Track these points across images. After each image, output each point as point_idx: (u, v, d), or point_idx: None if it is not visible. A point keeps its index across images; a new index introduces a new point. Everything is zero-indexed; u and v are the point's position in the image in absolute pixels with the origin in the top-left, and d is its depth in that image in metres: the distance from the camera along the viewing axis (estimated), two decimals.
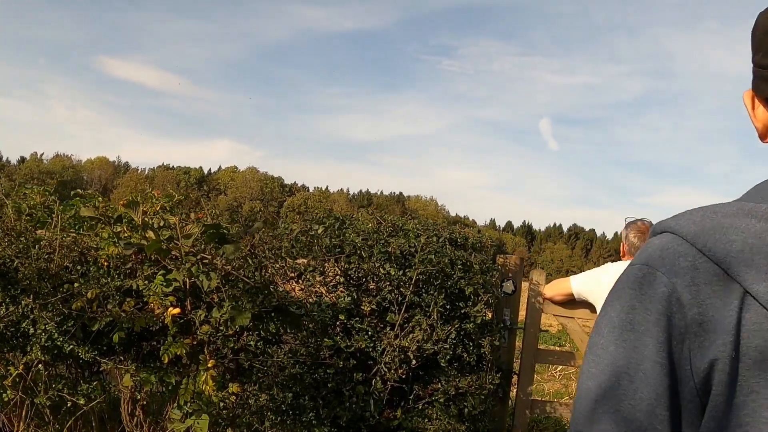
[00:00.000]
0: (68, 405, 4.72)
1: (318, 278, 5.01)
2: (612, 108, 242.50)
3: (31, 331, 4.40)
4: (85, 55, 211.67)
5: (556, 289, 5.55)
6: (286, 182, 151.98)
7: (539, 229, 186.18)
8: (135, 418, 4.86)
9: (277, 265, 4.62)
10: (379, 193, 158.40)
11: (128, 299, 4.35)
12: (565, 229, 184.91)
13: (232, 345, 4.45)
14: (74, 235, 4.74)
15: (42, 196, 5.28)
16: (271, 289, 4.39)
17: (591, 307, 5.33)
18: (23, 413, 4.83)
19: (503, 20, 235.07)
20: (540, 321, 5.78)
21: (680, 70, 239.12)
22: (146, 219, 4.51)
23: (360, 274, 5.04)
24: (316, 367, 4.80)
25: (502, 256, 5.78)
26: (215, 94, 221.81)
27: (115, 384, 4.88)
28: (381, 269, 4.93)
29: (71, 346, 4.43)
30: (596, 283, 5.16)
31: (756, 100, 1.31)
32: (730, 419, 1.09)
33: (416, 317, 4.90)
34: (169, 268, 4.27)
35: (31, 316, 4.38)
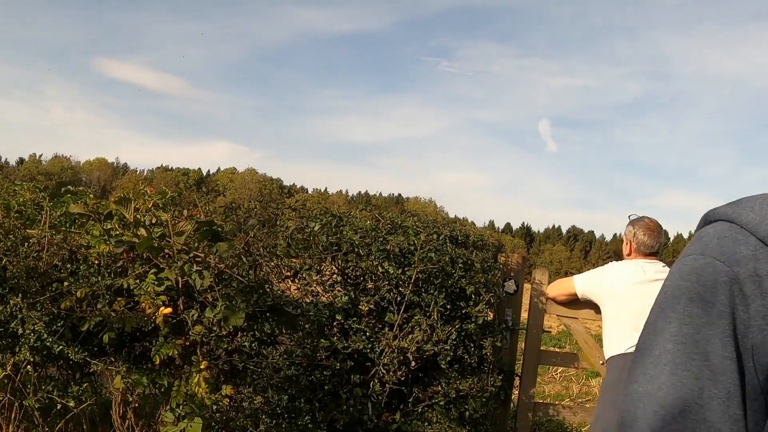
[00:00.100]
0: (58, 407, 4.63)
1: (315, 277, 4.92)
2: (611, 110, 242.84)
3: (20, 331, 4.32)
4: (83, 57, 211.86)
5: (559, 288, 5.45)
6: (284, 184, 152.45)
7: (538, 231, 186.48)
8: (126, 421, 4.75)
9: (272, 264, 4.53)
10: (378, 195, 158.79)
11: (119, 299, 4.28)
12: (564, 230, 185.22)
13: (225, 346, 4.36)
14: (64, 232, 4.65)
15: (32, 193, 5.16)
16: (266, 289, 4.32)
17: (595, 307, 5.21)
18: (12, 416, 4.74)
19: (502, 22, 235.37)
20: (543, 322, 5.66)
21: (679, 72, 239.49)
22: (138, 216, 4.44)
23: (358, 273, 4.94)
24: (313, 368, 4.71)
25: (503, 254, 5.66)
26: (214, 96, 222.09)
27: (106, 386, 4.76)
28: (379, 268, 4.80)
29: (60, 347, 4.35)
30: (601, 282, 5.05)
31: None
32: None
33: (416, 317, 4.80)
34: (161, 266, 4.19)
35: (20, 316, 4.30)
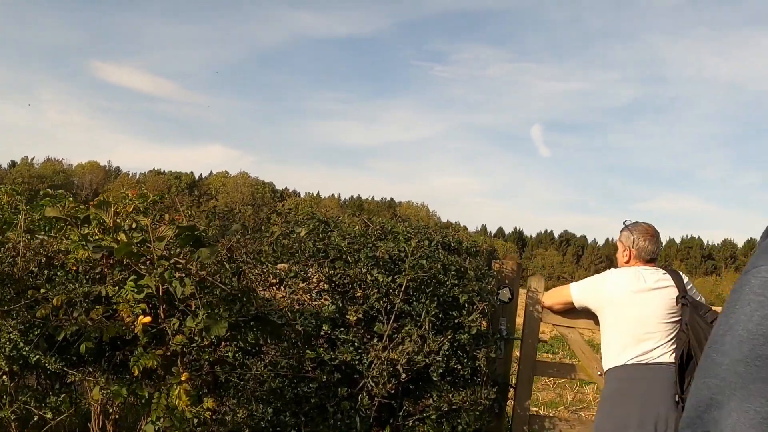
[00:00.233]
0: (35, 419, 4.47)
1: (301, 285, 4.77)
2: (605, 114, 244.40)
3: None
4: (78, 59, 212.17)
5: (555, 297, 5.31)
6: (277, 187, 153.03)
7: (530, 236, 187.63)
8: None
9: (257, 271, 4.39)
10: (370, 199, 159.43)
11: (97, 306, 4.13)
12: (556, 235, 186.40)
13: (207, 357, 4.25)
14: (43, 237, 4.54)
15: (9, 195, 4.99)
16: (251, 297, 4.17)
17: (593, 317, 5.07)
18: None
19: (496, 26, 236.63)
20: (538, 331, 5.50)
21: (673, 76, 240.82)
22: (118, 220, 4.30)
23: (346, 281, 4.78)
24: (298, 380, 4.59)
25: (498, 261, 5.51)
26: (208, 99, 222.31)
27: (86, 396, 4.61)
28: (368, 275, 4.67)
29: (37, 356, 4.19)
30: (598, 291, 4.91)
31: None
32: None
33: (406, 327, 4.66)
34: (141, 273, 4.04)
35: None
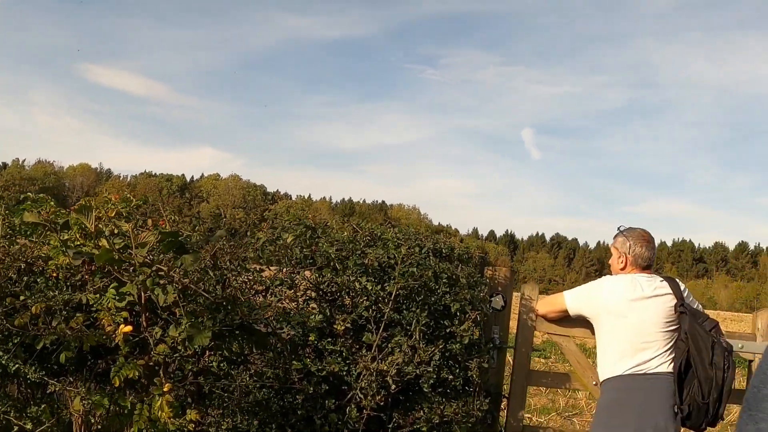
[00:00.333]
0: (15, 430, 4.32)
1: (288, 293, 4.67)
2: (595, 118, 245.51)
3: None
4: (69, 62, 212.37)
5: (549, 305, 5.18)
6: (268, 190, 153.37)
7: (522, 239, 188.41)
8: None
9: (241, 278, 4.28)
10: (362, 202, 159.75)
11: (78, 314, 4.05)
12: (547, 238, 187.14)
13: (191, 367, 4.19)
14: (24, 242, 4.45)
15: None
16: (237, 305, 4.06)
17: (588, 325, 4.95)
18: None
19: (486, 30, 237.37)
20: (532, 340, 5.38)
21: (663, 80, 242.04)
22: (101, 226, 4.17)
23: (333, 289, 4.69)
24: (285, 392, 4.49)
25: (490, 268, 5.39)
26: (198, 102, 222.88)
27: (68, 406, 4.47)
28: (357, 283, 4.56)
29: (17, 366, 4.10)
30: (594, 298, 4.80)
31: None
32: None
33: (396, 337, 4.56)
34: (122, 280, 3.96)
35: None
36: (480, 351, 4.85)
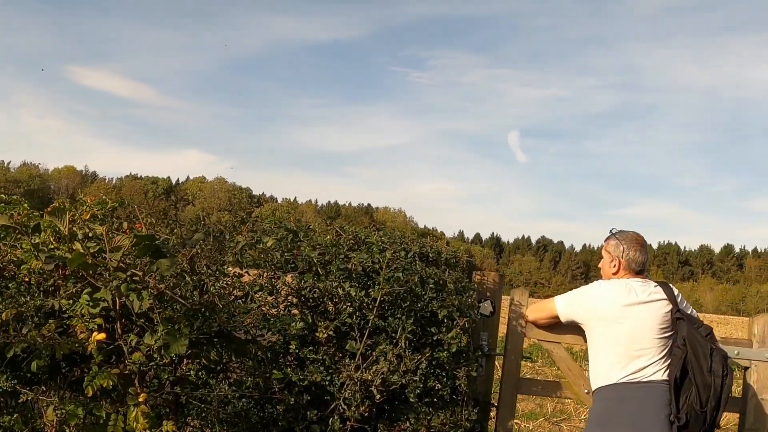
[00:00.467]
0: None
1: (268, 298, 4.57)
2: (582, 120, 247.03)
3: None
4: (55, 64, 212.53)
5: (539, 311, 5.03)
6: (254, 193, 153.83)
7: (508, 242, 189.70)
8: None
9: (220, 284, 4.15)
10: (347, 205, 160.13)
11: (50, 321, 3.93)
12: (533, 241, 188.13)
13: (167, 376, 4.06)
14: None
15: None
16: (213, 311, 3.96)
17: (580, 331, 4.82)
18: None
19: (473, 33, 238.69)
20: (522, 346, 5.23)
21: (651, 84, 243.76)
22: (75, 229, 4.06)
23: (315, 295, 4.57)
24: (265, 402, 4.38)
25: (478, 273, 5.24)
26: (184, 104, 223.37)
27: (42, 416, 4.32)
28: (340, 289, 4.45)
29: None
30: (586, 304, 4.65)
31: None
32: None
33: (381, 345, 4.42)
34: (96, 285, 3.83)
35: None
36: (468, 359, 4.75)
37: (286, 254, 4.64)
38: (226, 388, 4.20)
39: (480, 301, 5.05)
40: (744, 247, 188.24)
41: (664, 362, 4.37)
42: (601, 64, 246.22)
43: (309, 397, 4.36)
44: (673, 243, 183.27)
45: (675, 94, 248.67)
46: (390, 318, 4.51)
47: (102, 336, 3.79)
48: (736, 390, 4.92)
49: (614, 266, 4.66)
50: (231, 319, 4.06)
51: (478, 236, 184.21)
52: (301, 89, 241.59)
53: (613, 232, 4.76)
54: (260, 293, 4.51)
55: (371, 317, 4.43)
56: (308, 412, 4.36)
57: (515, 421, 8.46)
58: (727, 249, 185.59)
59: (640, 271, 4.62)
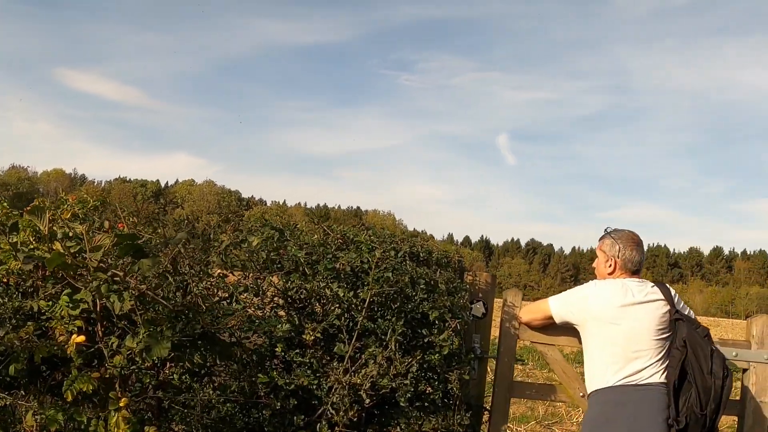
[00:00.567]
0: None
1: (254, 300, 4.48)
2: (571, 123, 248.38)
3: None
4: (44, 67, 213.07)
5: (533, 312, 4.92)
6: (243, 196, 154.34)
7: (497, 244, 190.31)
8: None
9: (203, 284, 4.12)
10: (336, 208, 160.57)
11: (29, 323, 3.82)
12: (522, 243, 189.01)
13: (148, 380, 3.98)
14: None
15: None
16: (197, 313, 3.88)
17: (575, 333, 4.71)
18: None
19: (463, 36, 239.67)
20: (515, 349, 5.11)
21: (639, 87, 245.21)
22: (54, 228, 3.96)
23: (302, 296, 4.48)
24: (250, 407, 4.31)
25: (470, 273, 5.13)
26: (173, 107, 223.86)
27: (22, 421, 4.23)
28: (327, 289, 4.35)
29: None
30: (581, 305, 4.54)
31: None
32: None
33: (370, 348, 4.34)
34: (76, 286, 3.73)
35: None
36: (460, 362, 4.65)
37: (272, 254, 4.53)
38: (210, 392, 4.19)
39: (472, 302, 4.95)
40: (733, 249, 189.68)
41: (661, 364, 4.28)
42: (590, 67, 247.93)
43: (296, 402, 4.28)
44: (663, 245, 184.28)
45: (663, 97, 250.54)
46: (379, 319, 4.42)
47: (81, 338, 3.69)
48: (734, 392, 4.82)
49: (610, 266, 4.56)
50: (215, 321, 3.98)
51: (467, 239, 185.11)
52: (290, 92, 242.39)
53: (608, 231, 4.67)
54: (245, 294, 4.43)
55: (360, 319, 4.33)
56: (295, 418, 4.28)
57: (510, 425, 8.38)
58: (717, 251, 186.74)
59: (636, 271, 4.52)
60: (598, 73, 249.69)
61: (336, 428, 4.25)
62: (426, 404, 4.50)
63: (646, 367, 4.26)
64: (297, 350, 4.34)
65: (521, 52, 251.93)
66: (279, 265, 4.51)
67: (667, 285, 4.53)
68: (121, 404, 3.73)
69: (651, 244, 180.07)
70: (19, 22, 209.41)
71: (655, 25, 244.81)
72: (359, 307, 4.36)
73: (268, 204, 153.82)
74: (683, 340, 4.22)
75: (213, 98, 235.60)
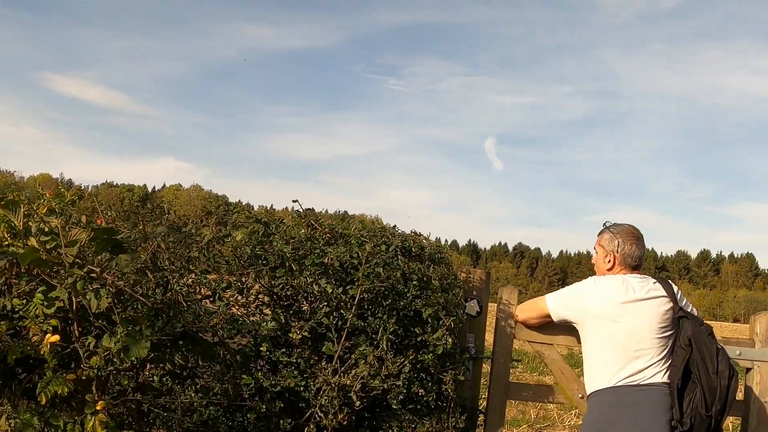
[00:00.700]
0: None
1: (240, 298, 4.34)
2: (557, 127, 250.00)
3: None
4: (30, 72, 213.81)
5: (529, 310, 4.75)
6: (230, 200, 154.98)
7: (484, 248, 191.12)
8: None
9: (184, 281, 4.00)
10: (324, 212, 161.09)
11: (2, 322, 3.70)
12: (510, 247, 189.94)
13: (127, 382, 3.95)
14: None
15: None
16: (177, 311, 3.79)
17: (573, 331, 4.56)
18: None
19: (449, 41, 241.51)
20: (511, 348, 4.94)
21: (625, 90, 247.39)
22: (30, 223, 3.85)
23: (289, 292, 4.32)
24: (234, 410, 4.16)
25: (464, 270, 4.98)
26: (160, 113, 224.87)
27: None
28: (315, 286, 4.19)
29: None
30: (580, 302, 4.38)
31: None
32: None
33: (360, 347, 4.18)
34: (51, 283, 3.60)
35: None
36: (455, 362, 4.50)
37: (256, 249, 4.39)
38: (192, 394, 4.06)
39: (466, 300, 4.79)
40: (720, 253, 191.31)
41: (664, 363, 4.14)
42: (575, 71, 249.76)
43: (282, 405, 4.13)
44: (650, 249, 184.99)
45: (649, 101, 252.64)
46: (370, 317, 4.29)
47: (56, 338, 3.56)
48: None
49: (609, 261, 4.42)
50: (197, 319, 3.90)
51: (455, 243, 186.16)
52: (277, 97, 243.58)
53: (607, 225, 4.53)
54: (229, 291, 4.28)
55: (349, 317, 4.19)
56: (281, 421, 4.16)
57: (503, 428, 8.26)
58: (704, 254, 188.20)
59: (636, 266, 4.38)
60: (584, 78, 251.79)
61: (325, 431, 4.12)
62: (419, 406, 4.37)
63: (648, 367, 4.11)
64: (283, 350, 4.21)
65: (508, 56, 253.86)
66: (264, 261, 4.37)
67: (670, 281, 4.38)
68: (99, 407, 3.66)
69: None
70: (5, 26, 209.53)
71: (641, 30, 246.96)
72: (349, 305, 4.21)
73: (255, 209, 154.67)
74: (688, 339, 4.07)
75: (200, 103, 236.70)
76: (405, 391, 4.20)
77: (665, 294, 4.22)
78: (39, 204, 4.09)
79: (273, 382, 4.06)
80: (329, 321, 4.21)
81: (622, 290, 4.20)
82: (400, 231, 4.65)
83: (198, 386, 4.18)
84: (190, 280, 4.05)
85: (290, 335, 4.14)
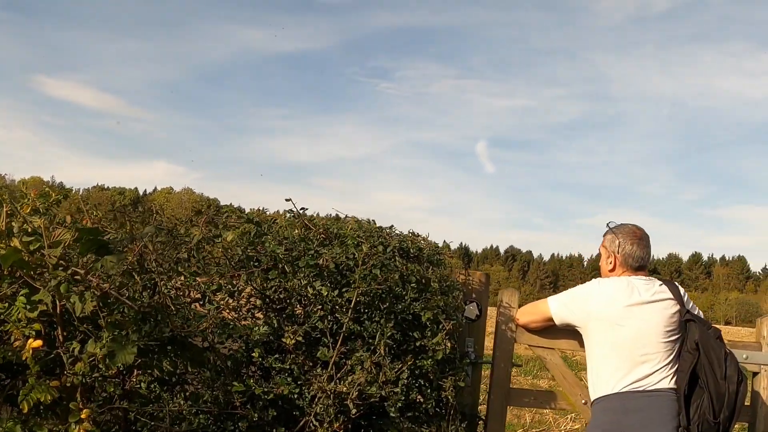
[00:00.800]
0: None
1: (231, 302, 4.22)
2: (549, 130, 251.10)
3: None
4: (23, 74, 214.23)
5: (531, 313, 4.63)
6: (222, 203, 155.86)
7: (476, 251, 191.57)
8: None
9: (172, 283, 3.89)
10: (316, 215, 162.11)
11: None
12: (501, 250, 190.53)
13: (113, 389, 3.80)
14: None
15: None
16: (166, 315, 3.68)
17: (576, 335, 4.44)
18: None
19: (441, 43, 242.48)
20: (512, 354, 4.82)
21: (617, 94, 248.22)
22: (12, 224, 3.75)
23: (282, 295, 4.20)
24: (225, 418, 4.02)
25: (463, 272, 4.87)
26: (152, 115, 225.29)
27: None
28: (309, 288, 4.08)
29: None
30: (583, 305, 4.25)
31: None
32: None
33: (357, 352, 4.08)
34: (34, 286, 3.50)
35: None
36: (454, 367, 4.41)
37: (248, 250, 4.27)
38: (181, 402, 3.90)
39: (465, 303, 4.67)
40: (712, 255, 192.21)
41: (670, 368, 4.02)
42: (567, 74, 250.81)
43: (275, 413, 4.02)
44: None
45: (641, 104, 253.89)
46: (367, 321, 4.19)
47: (38, 343, 3.45)
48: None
49: (611, 263, 4.32)
50: (186, 323, 3.77)
51: (446, 246, 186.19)
52: (269, 100, 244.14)
53: (610, 225, 4.41)
54: (219, 294, 4.15)
55: (345, 321, 4.09)
56: (274, 430, 4.04)
57: None
58: (696, 257, 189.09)
59: (639, 268, 4.26)
60: (575, 80, 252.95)
61: None
62: (418, 414, 4.26)
63: (654, 372, 3.99)
64: (276, 356, 4.09)
65: (499, 59, 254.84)
66: (256, 262, 4.25)
67: (676, 284, 4.26)
68: (83, 416, 3.54)
69: None
70: None
71: (633, 33, 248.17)
72: (344, 308, 4.11)
73: (247, 212, 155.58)
74: (695, 343, 3.96)
75: (192, 106, 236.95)
76: (403, 398, 4.10)
77: (672, 296, 4.10)
78: (23, 204, 3.94)
79: (265, 389, 3.95)
80: (324, 325, 4.11)
81: (627, 292, 4.08)
82: (397, 231, 4.54)
83: (187, 393, 4.06)
84: (179, 283, 3.93)
85: (283, 340, 4.04)
